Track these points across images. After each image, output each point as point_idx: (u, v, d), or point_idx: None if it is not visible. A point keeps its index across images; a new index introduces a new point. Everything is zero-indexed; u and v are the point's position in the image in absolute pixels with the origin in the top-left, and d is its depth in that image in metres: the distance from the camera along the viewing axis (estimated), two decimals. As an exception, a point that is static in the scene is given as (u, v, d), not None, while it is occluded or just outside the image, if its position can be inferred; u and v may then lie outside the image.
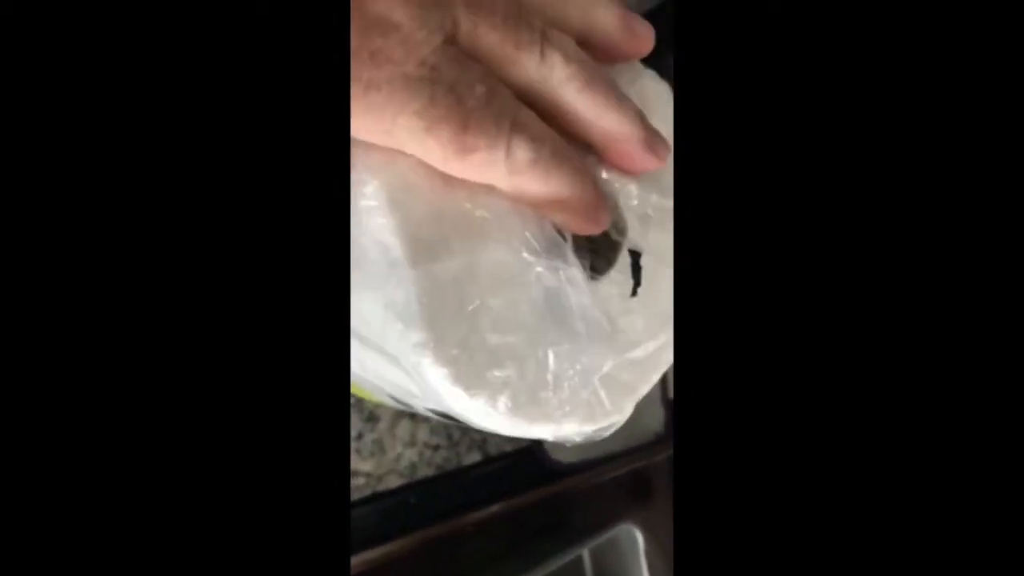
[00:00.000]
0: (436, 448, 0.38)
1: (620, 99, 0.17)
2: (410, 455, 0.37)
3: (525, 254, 0.15)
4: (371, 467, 0.36)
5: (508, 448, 0.40)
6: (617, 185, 0.18)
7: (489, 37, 0.15)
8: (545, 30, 0.16)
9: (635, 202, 0.17)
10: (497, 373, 0.14)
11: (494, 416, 0.15)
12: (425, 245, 0.14)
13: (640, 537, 0.38)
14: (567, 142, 0.16)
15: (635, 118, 0.17)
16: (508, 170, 0.15)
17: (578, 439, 0.16)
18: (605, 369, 0.16)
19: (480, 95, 0.14)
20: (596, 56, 0.17)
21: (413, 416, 0.37)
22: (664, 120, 0.18)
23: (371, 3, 0.13)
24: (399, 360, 0.15)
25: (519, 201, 0.16)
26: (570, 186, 0.16)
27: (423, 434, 0.38)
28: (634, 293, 0.17)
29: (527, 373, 0.15)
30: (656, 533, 0.41)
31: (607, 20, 0.17)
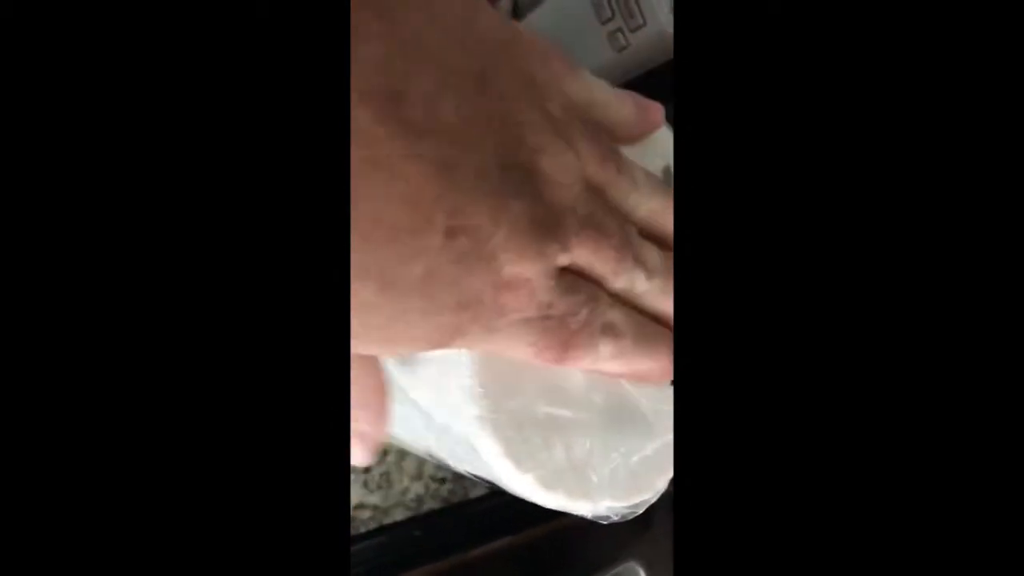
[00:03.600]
0: (442, 481, 0.38)
1: None
2: (417, 488, 0.37)
3: None
4: (378, 500, 0.36)
5: (513, 481, 0.41)
6: None
7: (599, 266, 0.16)
8: (637, 251, 0.17)
9: None
10: (546, 453, 0.15)
11: (538, 490, 0.15)
12: None
13: (643, 575, 0.38)
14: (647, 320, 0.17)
15: None
16: (593, 363, 0.16)
17: (614, 516, 0.17)
18: (644, 452, 0.16)
19: (583, 318, 0.15)
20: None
21: (421, 449, 0.37)
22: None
23: (508, 266, 0.14)
24: (450, 428, 0.15)
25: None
26: (648, 362, 0.17)
27: (430, 467, 0.38)
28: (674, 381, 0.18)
29: (573, 454, 0.15)
30: (658, 571, 0.41)
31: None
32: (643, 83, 0.30)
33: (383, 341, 0.14)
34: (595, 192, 0.16)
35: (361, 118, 0.12)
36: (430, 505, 0.38)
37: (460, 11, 0.14)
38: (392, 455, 0.37)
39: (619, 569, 0.38)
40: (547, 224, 0.14)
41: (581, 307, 0.16)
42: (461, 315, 0.14)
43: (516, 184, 0.14)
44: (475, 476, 0.18)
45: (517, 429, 0.15)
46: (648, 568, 0.39)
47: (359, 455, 0.16)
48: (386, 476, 0.37)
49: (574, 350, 0.15)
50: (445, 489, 0.38)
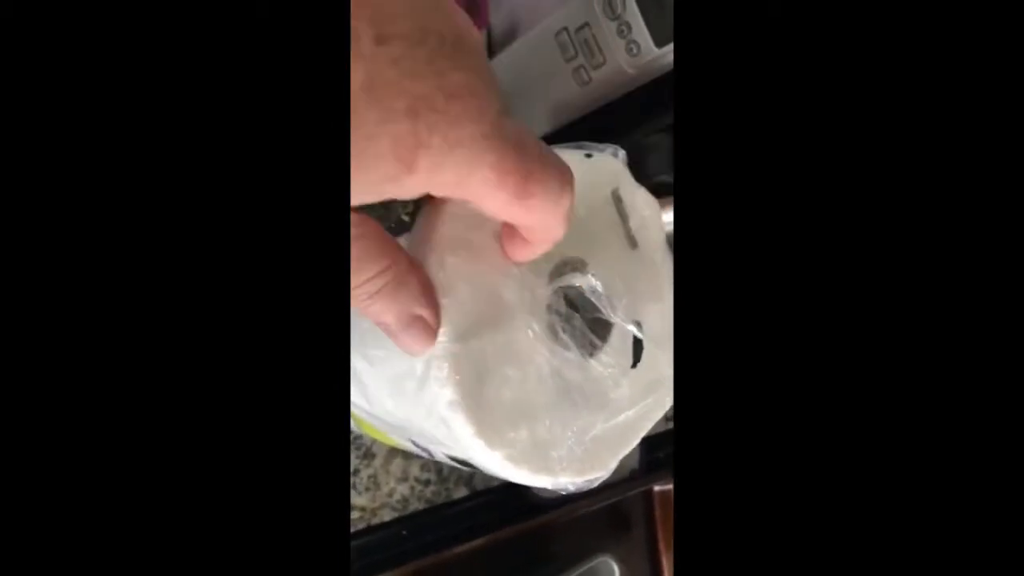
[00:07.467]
0: (427, 483, 0.41)
1: None
2: (402, 490, 0.40)
3: (535, 340, 0.18)
4: (366, 501, 0.39)
5: (494, 483, 0.43)
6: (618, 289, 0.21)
7: None
8: None
9: (624, 300, 0.20)
10: (512, 433, 0.18)
11: (507, 466, 0.18)
12: (463, 327, 0.17)
13: (617, 569, 0.41)
14: None
15: None
16: (549, 208, 0.17)
17: (571, 488, 0.19)
18: (594, 432, 0.19)
19: (537, 149, 0.16)
20: None
21: (406, 453, 0.39)
22: (647, 224, 0.23)
23: (452, 73, 0.15)
24: (430, 414, 0.18)
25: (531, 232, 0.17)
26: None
27: (415, 470, 0.40)
28: (634, 365, 0.21)
29: (535, 434, 0.18)
30: (631, 565, 0.44)
31: None
32: (604, 112, 0.33)
33: (356, 171, 0.14)
34: None
35: None
36: (415, 506, 0.40)
37: None
38: (379, 459, 0.39)
39: (594, 563, 0.40)
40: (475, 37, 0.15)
41: (530, 135, 0.16)
42: (416, 123, 0.14)
43: (432, 4, 0.15)
44: (452, 458, 0.21)
45: (487, 412, 0.18)
46: (621, 562, 0.41)
47: (421, 340, 0.17)
48: (374, 479, 0.39)
49: (535, 184, 0.16)
50: (429, 491, 0.41)
